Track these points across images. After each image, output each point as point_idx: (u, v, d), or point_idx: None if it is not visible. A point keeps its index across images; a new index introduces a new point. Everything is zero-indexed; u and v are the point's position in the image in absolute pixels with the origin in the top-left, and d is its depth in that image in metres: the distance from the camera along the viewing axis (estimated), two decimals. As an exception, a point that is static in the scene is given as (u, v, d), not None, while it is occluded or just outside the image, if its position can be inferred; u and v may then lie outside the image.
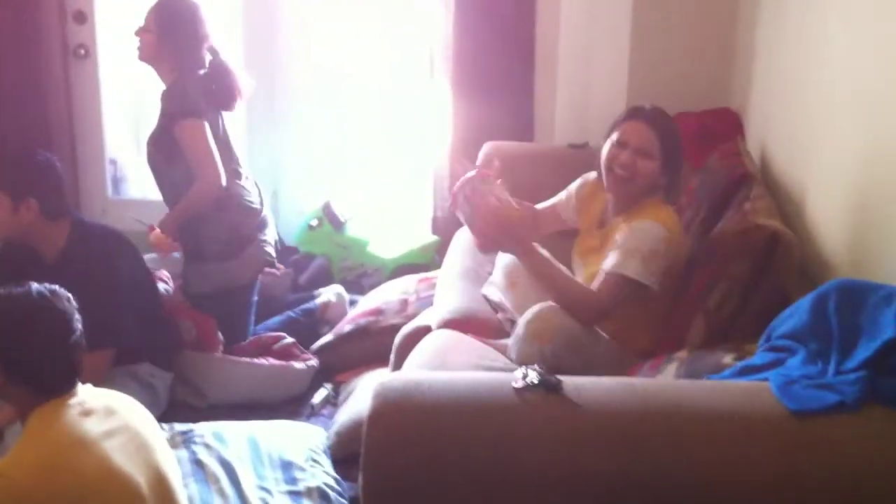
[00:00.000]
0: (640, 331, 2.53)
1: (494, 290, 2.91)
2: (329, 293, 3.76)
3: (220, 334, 3.35)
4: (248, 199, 3.49)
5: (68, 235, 2.98)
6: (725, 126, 3.46)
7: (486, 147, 3.63)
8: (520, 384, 1.79)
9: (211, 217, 3.39)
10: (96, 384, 2.64)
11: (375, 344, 3.29)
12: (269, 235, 3.55)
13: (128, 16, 4.56)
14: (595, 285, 2.45)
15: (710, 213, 2.81)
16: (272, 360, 3.34)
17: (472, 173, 2.56)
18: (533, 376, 1.81)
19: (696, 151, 3.26)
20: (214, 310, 3.38)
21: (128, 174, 4.70)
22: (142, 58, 3.45)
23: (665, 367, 2.29)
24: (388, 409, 1.76)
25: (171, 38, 3.37)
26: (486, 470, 1.72)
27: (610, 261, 2.45)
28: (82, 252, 2.95)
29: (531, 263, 2.50)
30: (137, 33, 3.42)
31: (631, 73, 3.73)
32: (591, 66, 3.84)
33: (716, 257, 2.49)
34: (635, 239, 2.44)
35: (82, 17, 4.38)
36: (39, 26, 4.26)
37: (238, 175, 3.49)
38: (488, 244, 2.58)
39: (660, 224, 2.47)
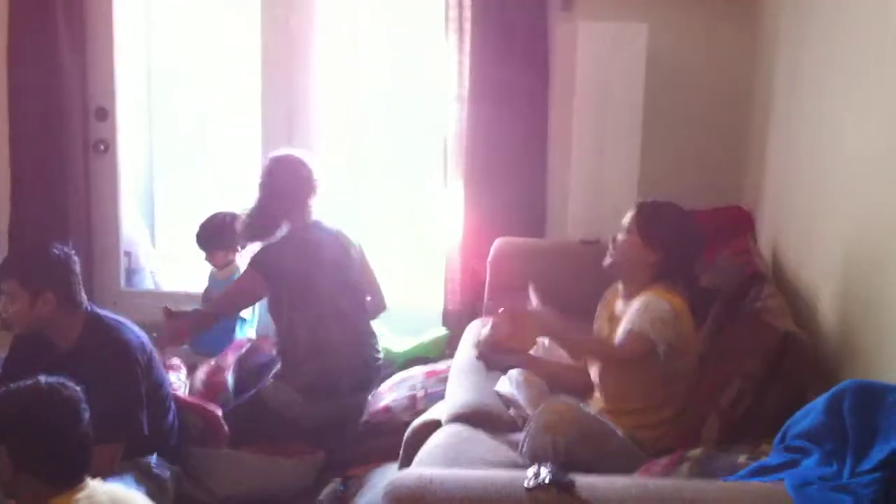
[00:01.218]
0: (655, 427, 2.52)
1: (507, 384, 2.90)
2: None
3: (225, 427, 3.33)
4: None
5: (83, 326, 2.99)
6: (736, 223, 3.48)
7: (498, 243, 3.66)
8: (531, 483, 1.77)
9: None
10: (107, 475, 2.64)
11: (386, 441, 3.25)
12: None
13: (145, 112, 4.73)
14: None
15: (722, 310, 2.82)
16: (279, 454, 3.31)
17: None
18: (545, 475, 1.79)
19: (707, 249, 3.28)
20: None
21: (143, 265, 4.75)
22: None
23: (679, 467, 2.26)
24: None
25: None
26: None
27: (622, 327, 2.54)
28: (97, 343, 2.96)
29: (538, 369, 2.64)
30: None
31: (642, 169, 3.77)
32: (603, 164, 3.88)
33: (729, 356, 2.49)
34: (640, 309, 2.53)
35: (104, 114, 4.48)
36: (63, 122, 4.36)
37: None
38: (509, 344, 2.67)
39: (663, 300, 2.53)
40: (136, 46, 4.62)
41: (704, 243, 2.75)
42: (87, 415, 2.15)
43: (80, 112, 4.42)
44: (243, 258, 3.94)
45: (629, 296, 2.68)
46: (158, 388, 3.12)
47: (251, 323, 4.10)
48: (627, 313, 2.57)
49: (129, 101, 4.58)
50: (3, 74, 4.35)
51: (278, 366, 3.56)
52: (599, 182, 3.88)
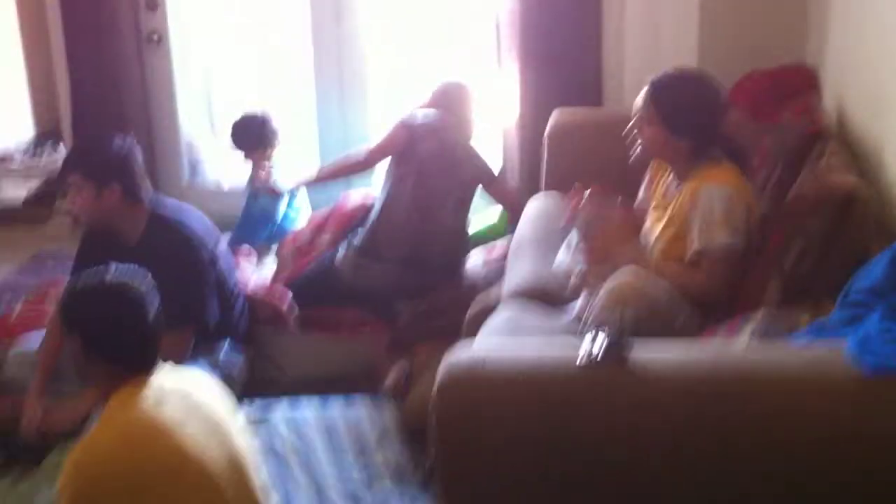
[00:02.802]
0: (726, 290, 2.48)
1: (567, 255, 2.87)
2: None
3: (293, 310, 3.40)
4: None
5: (149, 217, 3.03)
6: (800, 82, 3.33)
7: (555, 114, 3.59)
8: (583, 361, 1.76)
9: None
10: (178, 362, 2.72)
11: (449, 320, 3.29)
12: None
13: (198, 2, 4.69)
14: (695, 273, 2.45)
15: (784, 171, 2.73)
16: (345, 334, 3.38)
17: (587, 193, 2.64)
18: (603, 338, 1.78)
19: (771, 110, 3.18)
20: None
21: (203, 157, 4.78)
22: None
23: (742, 328, 2.24)
24: (455, 384, 1.76)
25: None
26: (550, 443, 1.72)
27: (695, 242, 2.45)
28: (164, 233, 3.01)
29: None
30: None
31: (701, 32, 3.64)
32: (659, 27, 3.76)
33: (791, 216, 2.43)
34: (705, 208, 2.45)
35: (154, 4, 4.46)
36: (114, 14, 4.36)
37: None
38: (601, 259, 2.59)
39: (717, 185, 2.47)
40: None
41: (727, 105, 2.66)
42: (155, 303, 2.19)
43: (130, 3, 4.39)
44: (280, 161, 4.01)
45: (679, 174, 2.62)
46: (224, 276, 3.18)
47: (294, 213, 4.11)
48: (691, 215, 2.47)
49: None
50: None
51: (361, 237, 3.60)
52: (656, 46, 3.76)
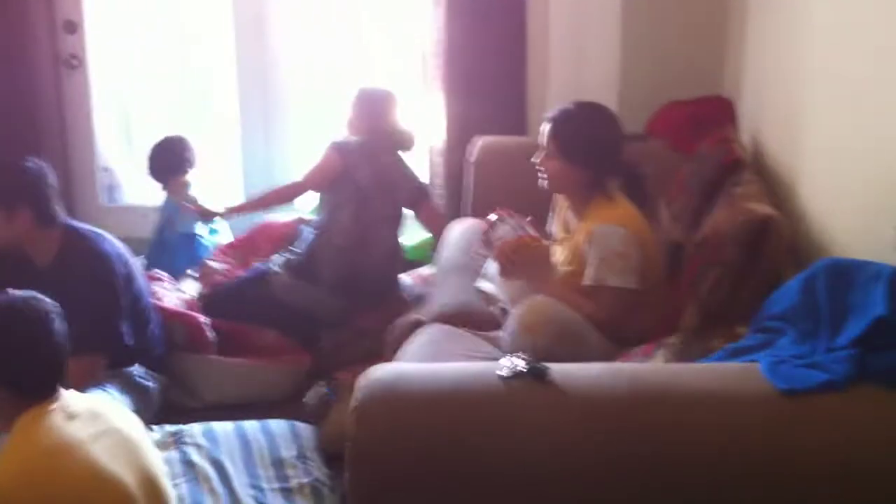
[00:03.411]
0: (632, 320, 2.52)
1: (487, 282, 2.90)
2: None
3: (211, 334, 3.34)
4: None
5: (61, 241, 2.96)
6: (717, 114, 3.44)
7: (479, 141, 3.62)
8: (505, 372, 1.77)
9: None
10: (90, 387, 2.65)
11: (373, 342, 3.27)
12: None
13: (117, 25, 4.61)
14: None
15: (701, 200, 2.79)
16: (264, 359, 3.33)
17: (494, 217, 2.68)
18: (520, 364, 1.79)
19: (688, 140, 3.25)
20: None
21: (121, 181, 4.70)
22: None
23: (656, 353, 2.27)
24: (374, 401, 1.74)
25: None
26: (473, 460, 1.70)
27: (588, 274, 2.49)
28: (75, 256, 2.93)
29: (544, 285, 2.54)
30: None
31: (622, 63, 3.72)
32: (582, 57, 3.82)
33: (707, 244, 2.47)
34: (599, 248, 2.49)
35: (73, 27, 4.37)
36: (30, 36, 4.25)
37: None
38: (509, 272, 2.61)
39: (611, 225, 2.51)
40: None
41: (623, 133, 2.70)
42: (58, 327, 2.12)
43: (48, 25, 4.30)
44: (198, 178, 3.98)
45: (576, 210, 2.66)
46: (139, 298, 3.11)
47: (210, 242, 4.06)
48: (587, 252, 2.52)
49: (99, 14, 4.47)
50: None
51: (298, 258, 3.58)
52: (579, 76, 3.82)
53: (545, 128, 2.66)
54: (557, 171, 2.63)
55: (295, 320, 3.47)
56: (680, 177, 3.05)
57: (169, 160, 3.98)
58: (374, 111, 3.67)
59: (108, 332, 2.91)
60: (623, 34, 3.69)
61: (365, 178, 3.56)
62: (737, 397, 1.72)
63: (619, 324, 2.47)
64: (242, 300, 3.50)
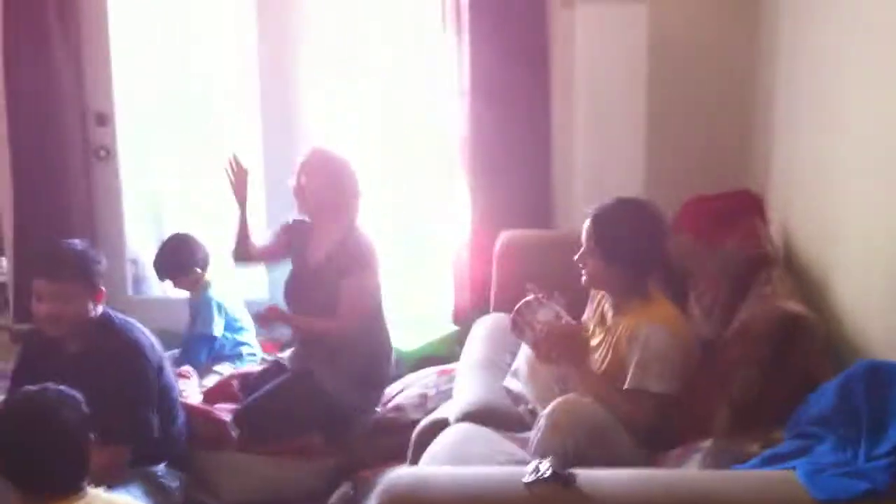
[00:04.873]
0: (668, 423, 2.45)
1: (515, 381, 2.85)
2: None
3: (234, 432, 3.29)
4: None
5: (95, 327, 2.94)
6: (745, 207, 3.40)
7: (504, 235, 3.60)
8: (530, 478, 1.71)
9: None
10: (114, 479, 2.60)
11: (396, 440, 3.20)
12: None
13: (147, 118, 4.69)
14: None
15: (730, 296, 2.74)
16: (288, 457, 3.27)
17: (530, 297, 2.64)
18: (545, 469, 1.74)
19: (715, 234, 3.22)
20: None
21: (149, 273, 4.71)
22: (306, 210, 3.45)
23: (690, 458, 2.20)
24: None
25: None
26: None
27: (629, 382, 2.43)
28: (109, 343, 2.92)
29: (582, 376, 2.50)
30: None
31: (648, 156, 3.71)
32: (607, 150, 3.81)
33: (737, 343, 2.42)
34: (641, 350, 2.43)
35: (104, 120, 4.45)
36: (63, 128, 4.34)
37: None
38: (545, 357, 2.57)
39: (655, 326, 2.46)
40: (135, 49, 4.58)
41: (669, 232, 2.66)
42: (78, 422, 2.11)
43: (79, 117, 4.38)
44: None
45: (617, 309, 2.61)
46: (168, 392, 3.09)
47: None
48: (627, 352, 2.47)
49: (129, 106, 4.55)
50: (2, 81, 4.33)
51: (319, 354, 3.42)
52: (604, 169, 3.81)
53: (586, 225, 2.62)
54: (598, 269, 2.58)
55: (331, 414, 3.38)
56: (708, 272, 3.00)
57: (172, 260, 3.98)
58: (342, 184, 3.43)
59: (136, 423, 2.88)
60: (648, 128, 3.69)
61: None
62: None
63: (655, 429, 2.40)
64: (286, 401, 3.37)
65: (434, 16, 4.01)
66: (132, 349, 2.94)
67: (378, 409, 3.47)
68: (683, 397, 2.44)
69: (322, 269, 3.39)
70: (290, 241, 3.56)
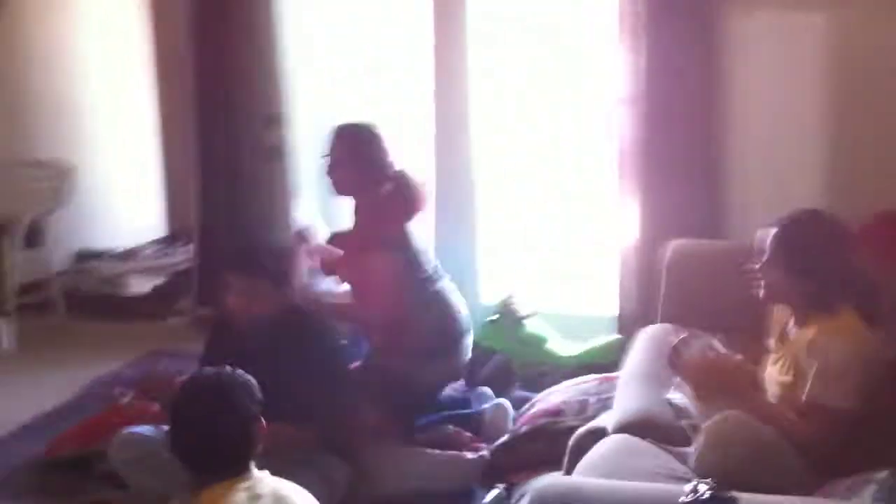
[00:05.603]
0: (843, 447, 2.33)
1: (679, 394, 2.77)
2: (493, 408, 3.66)
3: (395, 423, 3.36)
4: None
5: (283, 317, 3.06)
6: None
7: (674, 245, 3.51)
8: (688, 499, 1.66)
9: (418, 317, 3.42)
10: (287, 457, 2.67)
11: (552, 446, 3.18)
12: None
13: (319, 117, 4.85)
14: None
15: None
16: (444, 450, 3.32)
17: (685, 334, 2.61)
18: (704, 491, 1.68)
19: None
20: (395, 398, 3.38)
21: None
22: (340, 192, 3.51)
23: (863, 489, 2.08)
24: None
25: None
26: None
27: (806, 396, 2.34)
28: (296, 334, 3.04)
29: (751, 410, 2.40)
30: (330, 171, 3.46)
31: (831, 167, 3.54)
32: (787, 162, 3.69)
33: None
34: (819, 361, 2.34)
35: (275, 120, 4.63)
36: (242, 127, 4.57)
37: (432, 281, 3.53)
38: (706, 395, 2.51)
39: (837, 339, 2.35)
40: (309, 53, 4.75)
41: (855, 247, 2.53)
42: (251, 405, 2.18)
43: (253, 119, 4.59)
44: None
45: (798, 322, 2.51)
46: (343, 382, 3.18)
47: None
48: (805, 364, 2.38)
49: (303, 107, 4.71)
50: (190, 83, 4.58)
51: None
52: (783, 180, 3.69)
53: (769, 233, 2.53)
54: (779, 282, 2.49)
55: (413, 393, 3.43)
56: (889, 290, 2.84)
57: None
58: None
59: (319, 406, 2.97)
60: (830, 139, 3.53)
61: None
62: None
63: (829, 450, 2.30)
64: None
65: (603, 22, 3.96)
66: (319, 340, 3.07)
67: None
68: (861, 417, 2.31)
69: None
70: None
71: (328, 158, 3.45)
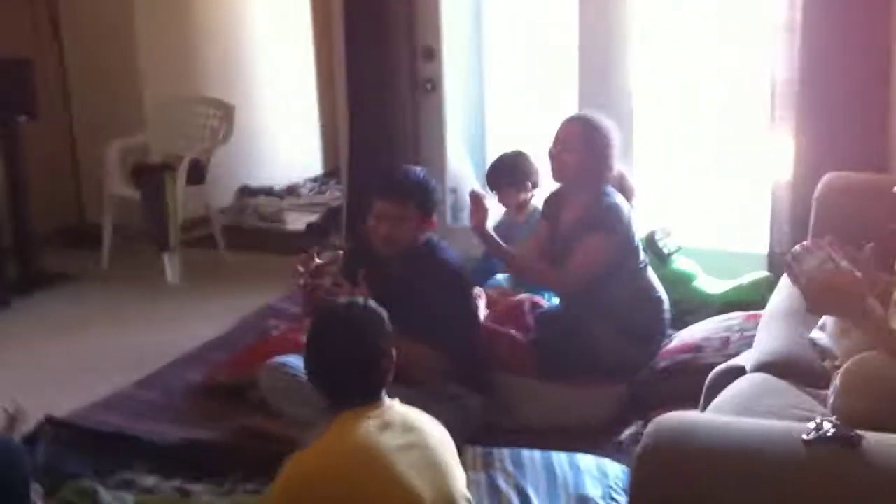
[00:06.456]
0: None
1: (824, 335, 2.66)
2: None
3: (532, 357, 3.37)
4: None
5: (421, 251, 3.13)
6: None
7: (827, 177, 3.34)
8: (810, 436, 1.60)
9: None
10: (425, 378, 2.80)
11: (691, 382, 3.11)
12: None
13: (472, 52, 4.83)
14: None
15: None
16: (583, 387, 3.31)
17: (806, 242, 2.45)
18: (828, 427, 1.62)
19: None
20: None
21: (466, 203, 4.88)
22: (560, 177, 3.49)
23: None
24: (659, 449, 1.66)
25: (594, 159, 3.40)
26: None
27: None
28: (432, 268, 3.11)
29: (864, 328, 2.27)
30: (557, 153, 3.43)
31: None
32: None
33: None
34: None
35: (431, 54, 4.64)
36: (393, 63, 4.59)
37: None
38: (817, 308, 2.39)
39: None
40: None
41: None
42: (380, 335, 2.21)
43: (409, 52, 4.60)
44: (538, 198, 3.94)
45: None
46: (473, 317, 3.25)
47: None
48: None
49: (457, 41, 4.69)
50: (341, 20, 4.63)
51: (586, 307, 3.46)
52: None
53: None
54: None
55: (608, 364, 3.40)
56: None
57: (510, 171, 4.04)
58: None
59: (458, 342, 3.04)
60: None
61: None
62: None
63: None
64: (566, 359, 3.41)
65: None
66: (455, 274, 3.14)
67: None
68: None
69: (572, 234, 3.41)
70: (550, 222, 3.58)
71: (556, 143, 3.43)
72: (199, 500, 2.79)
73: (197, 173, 5.04)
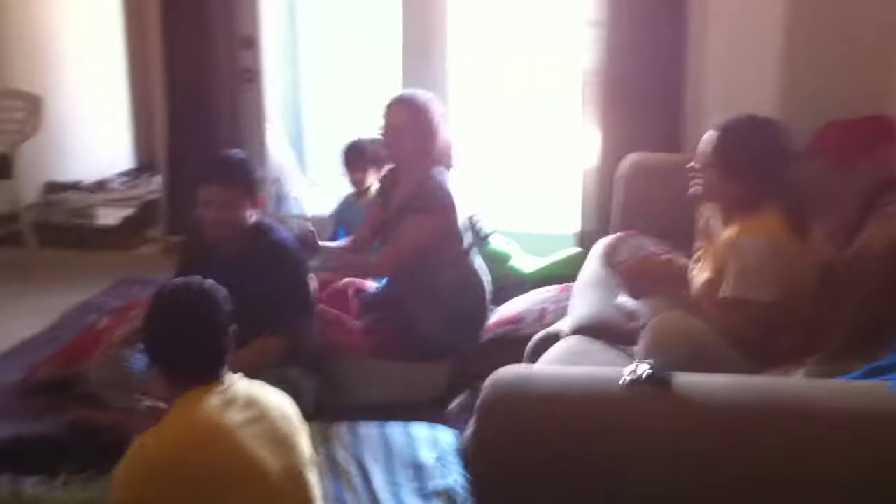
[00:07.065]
0: (774, 338, 2.46)
1: (630, 299, 2.89)
2: None
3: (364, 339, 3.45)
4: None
5: (252, 232, 3.14)
6: (880, 132, 3.31)
7: (628, 157, 3.61)
8: (628, 379, 1.78)
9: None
10: (263, 368, 2.76)
11: (514, 352, 3.28)
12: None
13: (291, 40, 4.87)
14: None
15: (855, 218, 2.70)
16: (415, 364, 3.41)
17: (619, 234, 2.66)
18: (643, 371, 1.80)
19: (849, 158, 3.16)
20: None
21: (288, 192, 4.93)
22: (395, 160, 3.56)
23: (794, 374, 2.21)
24: (498, 399, 1.80)
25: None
26: (591, 462, 1.72)
27: (725, 286, 2.45)
28: (265, 248, 3.14)
29: (678, 302, 2.52)
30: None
31: (784, 80, 3.63)
32: (741, 76, 3.76)
33: (856, 262, 2.40)
34: (739, 259, 2.44)
35: (250, 43, 4.64)
36: (211, 52, 4.56)
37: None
38: (637, 292, 2.61)
39: (754, 237, 2.45)
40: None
41: (793, 155, 2.62)
42: (222, 313, 2.22)
43: (227, 42, 4.58)
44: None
45: (724, 219, 2.61)
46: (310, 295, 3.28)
47: None
48: (727, 262, 2.48)
49: (274, 31, 4.72)
50: (157, 8, 4.57)
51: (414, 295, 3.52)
52: (738, 96, 3.75)
53: (710, 136, 2.61)
54: (714, 182, 2.58)
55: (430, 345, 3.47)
56: (837, 195, 2.95)
57: (370, 150, 4.14)
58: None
59: (291, 320, 3.09)
60: (784, 53, 3.61)
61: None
62: (863, 415, 1.67)
63: (758, 341, 2.42)
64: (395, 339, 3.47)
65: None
66: (287, 253, 3.16)
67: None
68: (790, 311, 2.43)
69: (398, 215, 3.48)
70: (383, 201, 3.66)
71: (384, 126, 3.46)
72: (34, 494, 2.73)
73: (3, 169, 4.84)
